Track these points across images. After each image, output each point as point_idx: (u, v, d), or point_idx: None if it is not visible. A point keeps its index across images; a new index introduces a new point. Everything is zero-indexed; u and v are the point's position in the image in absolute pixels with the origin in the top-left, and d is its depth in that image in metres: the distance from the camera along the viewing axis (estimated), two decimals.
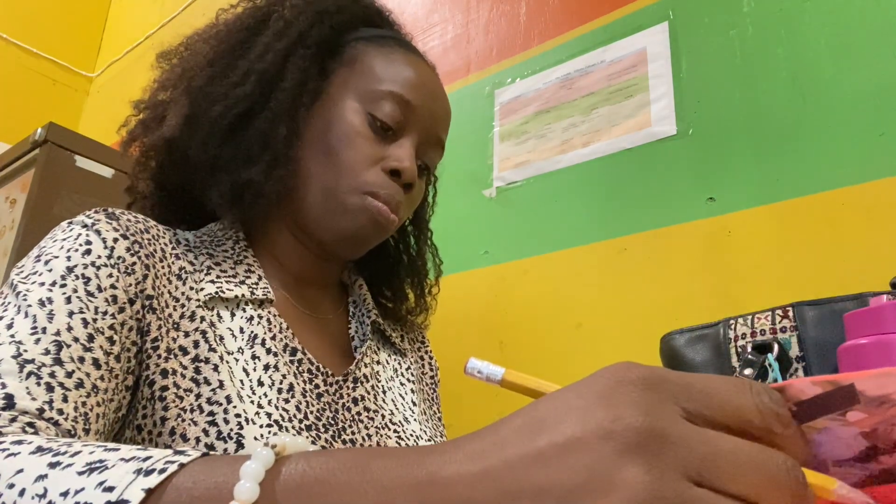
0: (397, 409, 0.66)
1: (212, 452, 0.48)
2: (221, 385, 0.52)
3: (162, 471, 0.28)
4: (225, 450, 0.49)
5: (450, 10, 1.57)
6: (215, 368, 0.53)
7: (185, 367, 0.52)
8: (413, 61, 0.68)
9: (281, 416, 0.53)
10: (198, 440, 0.49)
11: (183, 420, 0.50)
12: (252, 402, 0.52)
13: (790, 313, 0.79)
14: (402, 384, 0.70)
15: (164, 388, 0.51)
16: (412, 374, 0.74)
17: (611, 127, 1.20)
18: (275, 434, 0.51)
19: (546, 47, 1.36)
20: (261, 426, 0.51)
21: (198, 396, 0.51)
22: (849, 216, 0.91)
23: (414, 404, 0.70)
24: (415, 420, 0.67)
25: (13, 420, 0.39)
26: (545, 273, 1.21)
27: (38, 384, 0.42)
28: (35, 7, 2.61)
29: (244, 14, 0.69)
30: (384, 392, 0.66)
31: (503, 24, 1.45)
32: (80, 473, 0.29)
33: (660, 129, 1.13)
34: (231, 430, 0.50)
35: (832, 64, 0.98)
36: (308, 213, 0.64)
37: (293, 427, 0.54)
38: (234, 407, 0.51)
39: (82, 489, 0.28)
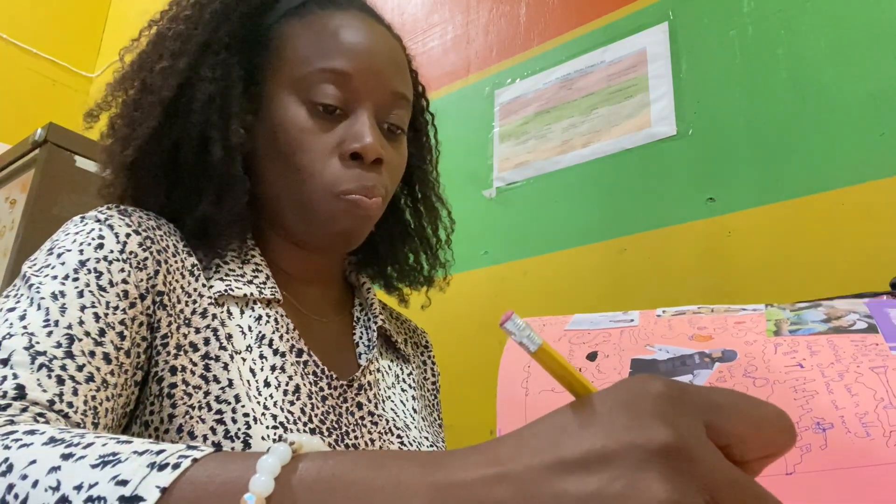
0: (398, 415, 0.65)
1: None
2: (231, 384, 0.52)
3: (176, 465, 0.28)
4: (232, 449, 0.49)
5: (450, 10, 1.57)
6: (225, 367, 0.52)
7: (194, 364, 0.52)
8: (340, 21, 0.61)
9: (286, 417, 0.53)
10: (205, 438, 0.49)
11: (191, 417, 0.50)
12: (259, 402, 0.52)
13: None
14: (403, 391, 0.69)
15: (173, 385, 0.51)
16: (414, 381, 0.73)
17: (611, 127, 1.20)
18: (280, 435, 0.51)
19: (546, 48, 1.36)
20: (267, 427, 0.51)
21: (206, 394, 0.51)
22: (849, 216, 0.91)
23: (415, 411, 0.69)
24: (415, 427, 0.67)
25: (24, 410, 0.39)
26: (545, 273, 1.21)
27: (49, 376, 0.42)
28: (35, 7, 2.61)
29: (147, 45, 0.63)
30: (384, 400, 0.65)
31: (503, 25, 1.45)
32: (94, 466, 0.29)
33: (659, 130, 1.13)
34: (238, 429, 0.50)
35: (832, 64, 0.98)
36: (289, 223, 0.62)
37: (298, 430, 0.54)
38: (243, 406, 0.51)
39: (96, 483, 0.28)
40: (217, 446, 0.49)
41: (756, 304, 0.53)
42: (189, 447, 0.30)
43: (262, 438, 0.50)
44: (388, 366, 0.70)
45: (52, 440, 0.32)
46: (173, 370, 0.51)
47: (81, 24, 2.76)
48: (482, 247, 1.32)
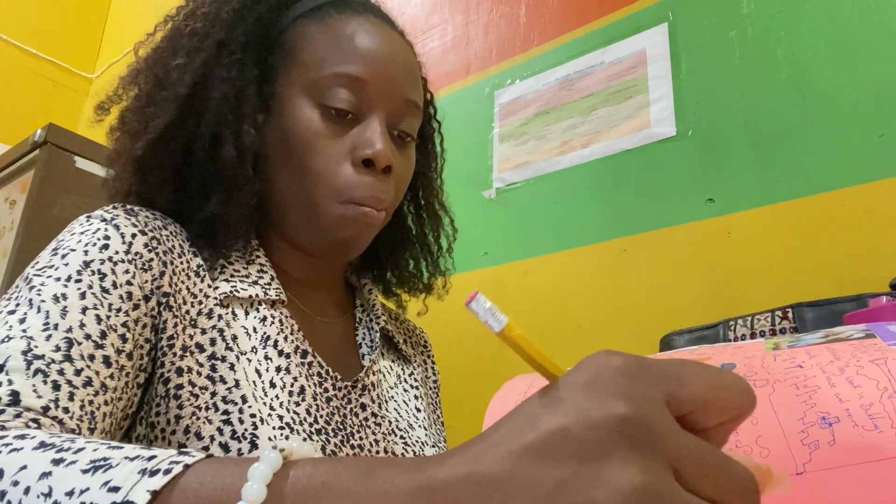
0: (401, 416, 0.65)
1: (219, 454, 0.48)
2: (237, 384, 0.52)
3: (167, 471, 0.28)
4: (239, 450, 0.49)
5: (449, 11, 1.57)
6: (231, 367, 0.52)
7: (200, 365, 0.52)
8: (357, 25, 0.61)
9: (292, 419, 0.53)
10: (212, 439, 0.49)
11: (198, 418, 0.49)
12: (265, 403, 0.52)
13: (790, 314, 0.79)
14: (405, 391, 0.70)
15: (180, 387, 0.50)
16: (416, 380, 0.73)
17: (610, 128, 1.20)
18: (287, 436, 0.51)
19: (546, 48, 1.36)
20: (274, 427, 0.51)
21: (213, 395, 0.51)
22: (848, 217, 0.91)
23: (418, 410, 0.69)
24: (419, 426, 0.67)
25: (18, 416, 0.39)
26: (545, 274, 1.21)
27: (45, 382, 0.41)
28: (35, 8, 2.61)
29: (161, 40, 0.63)
30: (387, 401, 0.65)
31: (503, 26, 1.45)
32: (85, 472, 0.29)
33: (659, 131, 1.13)
34: (245, 429, 0.50)
35: (831, 65, 0.98)
36: (293, 227, 0.62)
37: (304, 430, 0.53)
38: (250, 407, 0.51)
39: (87, 489, 0.28)
40: (224, 447, 0.49)
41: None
42: (181, 453, 0.30)
43: (269, 439, 0.50)
44: (390, 366, 0.70)
45: (43, 445, 0.32)
46: (179, 371, 0.51)
47: (81, 25, 2.76)
48: (482, 247, 1.32)
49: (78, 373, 0.44)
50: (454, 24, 1.55)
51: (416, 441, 0.64)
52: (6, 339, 0.43)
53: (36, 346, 0.43)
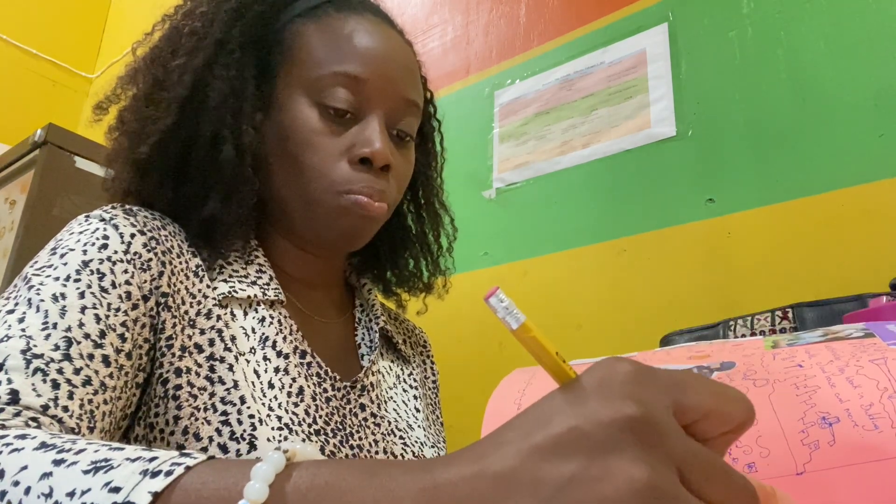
0: (400, 416, 0.65)
1: (220, 455, 0.48)
2: (236, 385, 0.52)
3: (168, 473, 0.28)
4: (238, 451, 0.49)
5: (449, 11, 1.57)
6: (230, 368, 0.52)
7: (199, 366, 0.52)
8: (354, 25, 0.61)
9: (291, 419, 0.53)
10: (210, 440, 0.49)
11: (196, 419, 0.50)
12: (264, 403, 0.52)
13: (790, 314, 0.79)
14: (405, 391, 0.70)
15: (178, 387, 0.50)
16: (415, 380, 0.73)
17: (610, 128, 1.20)
18: (286, 437, 0.51)
19: (546, 48, 1.36)
20: (272, 428, 0.51)
21: (211, 395, 0.51)
22: (848, 217, 0.91)
23: (417, 410, 0.69)
24: (419, 426, 0.67)
25: (17, 415, 0.39)
26: (545, 274, 1.21)
27: (45, 381, 0.41)
28: (35, 8, 2.61)
29: (160, 40, 0.63)
30: (386, 401, 0.65)
31: (503, 26, 1.45)
32: (86, 472, 0.29)
33: (659, 131, 1.13)
34: (244, 430, 0.50)
35: (831, 66, 0.98)
36: (293, 224, 0.62)
37: (303, 431, 0.53)
38: (248, 408, 0.51)
39: (88, 489, 0.28)
40: (223, 448, 0.49)
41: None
42: (182, 454, 0.30)
43: (268, 440, 0.50)
44: (389, 366, 0.70)
45: (44, 445, 0.32)
46: (178, 372, 0.51)
47: (81, 25, 2.76)
48: (482, 248, 1.32)
49: (77, 371, 0.44)
50: (454, 24, 1.55)
51: (416, 441, 0.64)
52: (5, 339, 0.43)
53: (35, 346, 0.43)
